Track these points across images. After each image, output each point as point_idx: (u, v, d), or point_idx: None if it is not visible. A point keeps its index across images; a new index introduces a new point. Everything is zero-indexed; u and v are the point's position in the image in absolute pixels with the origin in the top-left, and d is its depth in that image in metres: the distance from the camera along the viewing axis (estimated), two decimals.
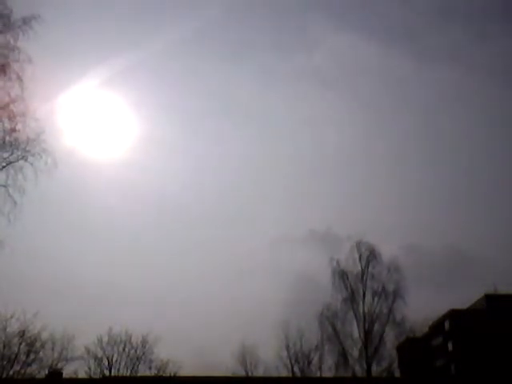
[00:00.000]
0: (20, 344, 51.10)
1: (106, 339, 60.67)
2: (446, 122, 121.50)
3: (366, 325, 49.69)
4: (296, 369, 63.59)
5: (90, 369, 60.12)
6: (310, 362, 63.62)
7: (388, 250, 56.84)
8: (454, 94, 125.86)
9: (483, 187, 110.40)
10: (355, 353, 50.20)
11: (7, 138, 20.62)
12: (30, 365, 52.32)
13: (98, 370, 60.46)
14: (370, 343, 49.49)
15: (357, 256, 51.08)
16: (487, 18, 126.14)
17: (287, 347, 63.62)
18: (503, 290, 69.97)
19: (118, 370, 60.57)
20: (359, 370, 50.04)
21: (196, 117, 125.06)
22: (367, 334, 49.46)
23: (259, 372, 65.81)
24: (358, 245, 51.26)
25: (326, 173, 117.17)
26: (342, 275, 50.72)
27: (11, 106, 20.52)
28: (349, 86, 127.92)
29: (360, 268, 50.94)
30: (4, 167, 20.92)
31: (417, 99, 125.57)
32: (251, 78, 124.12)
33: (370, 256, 50.95)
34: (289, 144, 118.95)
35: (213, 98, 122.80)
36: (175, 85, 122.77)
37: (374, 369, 49.85)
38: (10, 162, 20.97)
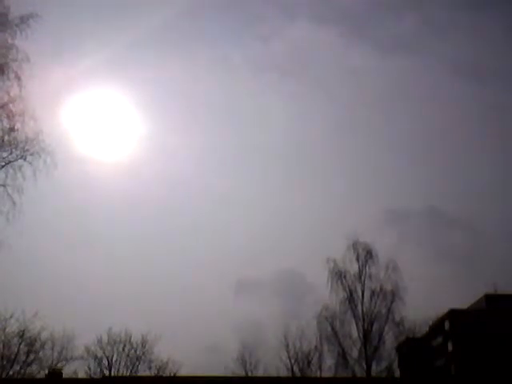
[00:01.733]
0: (20, 344, 51.30)
1: (105, 339, 60.75)
2: (404, 112, 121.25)
3: (365, 325, 49.65)
4: (296, 369, 63.57)
5: (89, 369, 60.25)
6: (309, 362, 63.55)
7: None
8: (416, 84, 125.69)
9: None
10: (354, 353, 50.15)
11: (6, 138, 20.70)
12: (29, 365, 52.54)
13: (98, 370, 60.54)
14: (370, 343, 49.40)
15: (353, 256, 51.08)
16: (449, 5, 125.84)
17: (287, 347, 63.58)
18: (503, 289, 70.08)
19: (118, 369, 60.58)
20: (359, 370, 50.02)
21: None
22: (366, 334, 49.38)
23: (259, 372, 65.85)
24: (355, 245, 51.25)
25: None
26: (339, 275, 50.63)
27: (10, 106, 20.60)
28: (307, 75, 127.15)
29: (357, 268, 50.97)
30: (3, 167, 20.98)
31: (377, 89, 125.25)
32: (208, 67, 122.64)
33: (367, 256, 50.91)
34: (255, 133, 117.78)
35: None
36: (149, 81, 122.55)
37: (374, 369, 49.87)
38: (9, 162, 21.02)
